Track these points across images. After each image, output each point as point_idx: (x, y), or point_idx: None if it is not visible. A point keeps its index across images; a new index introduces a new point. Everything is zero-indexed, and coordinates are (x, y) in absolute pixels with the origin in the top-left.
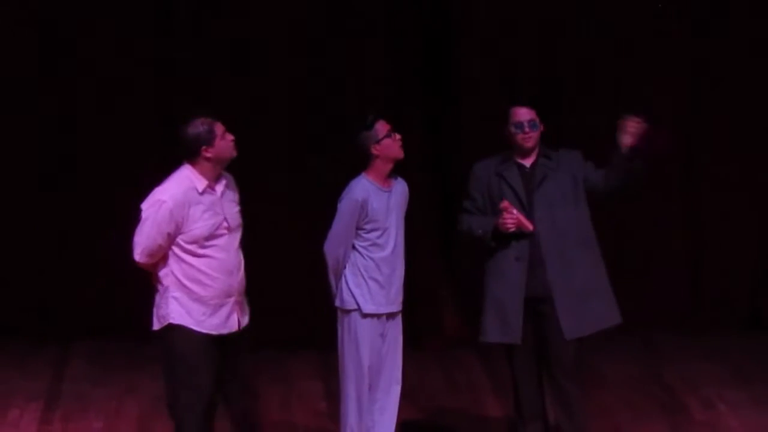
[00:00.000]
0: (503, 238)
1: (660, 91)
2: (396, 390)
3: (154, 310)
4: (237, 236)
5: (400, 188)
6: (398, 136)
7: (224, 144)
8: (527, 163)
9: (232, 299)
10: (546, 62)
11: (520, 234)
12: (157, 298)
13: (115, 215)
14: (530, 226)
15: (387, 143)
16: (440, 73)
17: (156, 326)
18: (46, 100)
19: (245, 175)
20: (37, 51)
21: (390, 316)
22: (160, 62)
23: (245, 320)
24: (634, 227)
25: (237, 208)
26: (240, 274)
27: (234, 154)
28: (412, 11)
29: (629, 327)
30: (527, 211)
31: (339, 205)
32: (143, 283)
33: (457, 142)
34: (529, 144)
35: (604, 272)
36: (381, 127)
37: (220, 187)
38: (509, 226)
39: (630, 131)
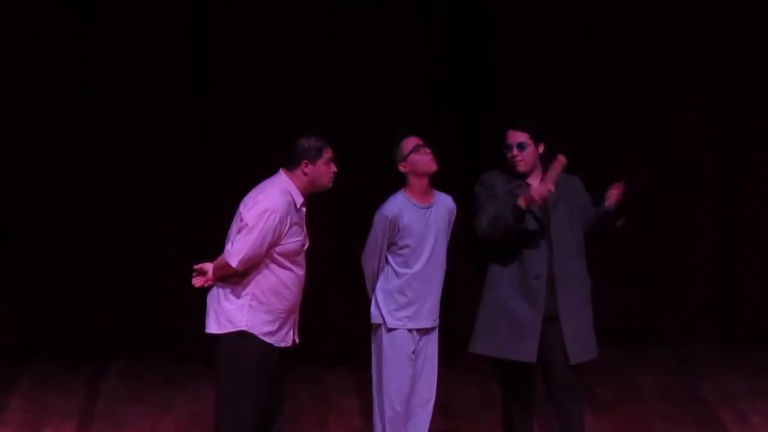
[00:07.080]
0: (520, 248)
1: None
2: (430, 404)
3: (215, 312)
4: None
5: (444, 204)
6: (428, 150)
7: (325, 170)
8: (534, 183)
9: (294, 316)
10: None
11: (537, 251)
12: (226, 303)
13: (155, 235)
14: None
15: (414, 159)
16: (477, 85)
17: (215, 329)
18: None
19: None
20: None
21: (424, 331)
22: None
23: (297, 338)
24: (668, 240)
25: None
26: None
27: (329, 185)
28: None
29: (663, 339)
30: (546, 232)
31: (373, 220)
32: (179, 303)
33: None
34: (521, 167)
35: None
36: (407, 144)
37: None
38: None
39: (614, 196)
